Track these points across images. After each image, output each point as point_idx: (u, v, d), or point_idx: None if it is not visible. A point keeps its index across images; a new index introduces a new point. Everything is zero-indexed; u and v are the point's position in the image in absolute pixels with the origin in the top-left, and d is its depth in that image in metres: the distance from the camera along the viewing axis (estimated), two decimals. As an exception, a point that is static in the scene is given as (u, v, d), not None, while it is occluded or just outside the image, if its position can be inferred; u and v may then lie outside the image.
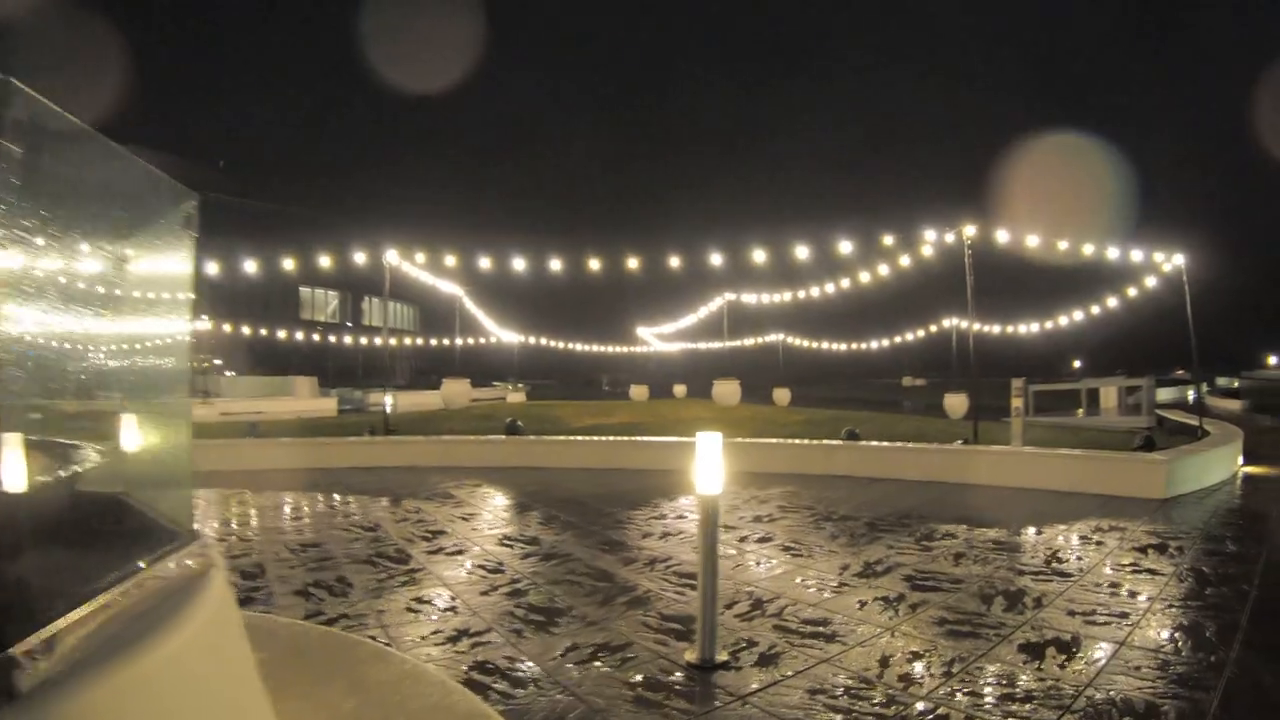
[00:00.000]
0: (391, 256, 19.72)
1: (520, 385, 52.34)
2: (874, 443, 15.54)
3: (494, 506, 12.01)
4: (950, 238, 16.66)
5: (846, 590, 6.95)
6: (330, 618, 6.02)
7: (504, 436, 18.03)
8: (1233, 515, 10.62)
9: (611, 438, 17.83)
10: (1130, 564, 7.77)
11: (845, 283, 24.86)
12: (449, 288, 31.54)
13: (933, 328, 42.23)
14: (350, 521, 10.38)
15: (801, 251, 19.37)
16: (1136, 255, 17.38)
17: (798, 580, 7.31)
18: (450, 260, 21.41)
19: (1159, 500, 11.62)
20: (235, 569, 7.46)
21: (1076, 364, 68.91)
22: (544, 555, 8.45)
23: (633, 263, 20.99)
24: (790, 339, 49.91)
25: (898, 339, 48.08)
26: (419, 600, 6.63)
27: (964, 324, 37.77)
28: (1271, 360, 69.03)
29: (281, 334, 40.99)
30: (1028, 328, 33.59)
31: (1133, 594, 6.70)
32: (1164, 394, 44.40)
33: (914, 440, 16.05)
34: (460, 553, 8.53)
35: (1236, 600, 6.47)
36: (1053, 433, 18.86)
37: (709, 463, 5.31)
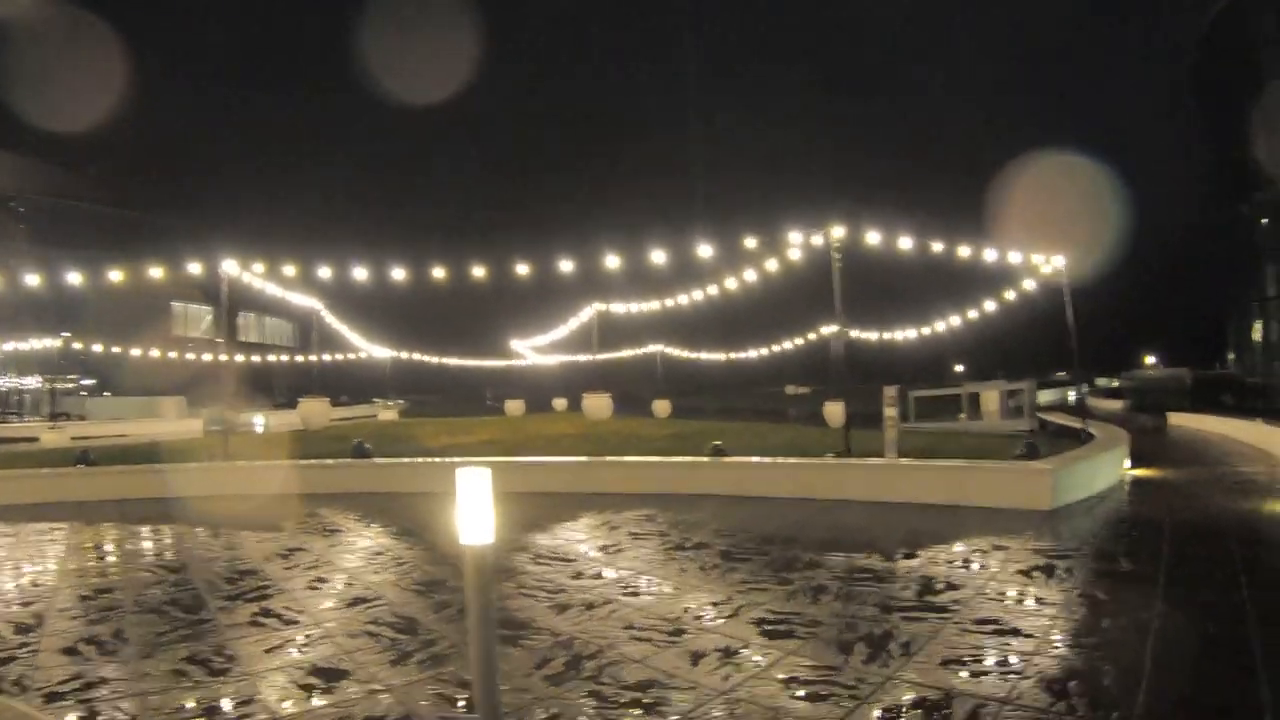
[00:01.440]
0: (230, 266, 18.26)
1: (394, 403, 50.49)
2: (741, 459, 14.65)
3: (318, 543, 10.67)
4: (818, 240, 15.96)
5: (685, 639, 5.98)
6: (90, 682, 5.38)
7: (350, 460, 16.63)
8: (1124, 527, 10.20)
9: (455, 460, 16.59)
10: (1015, 594, 7.03)
11: (714, 290, 24.08)
12: (306, 301, 29.71)
13: (811, 335, 42.14)
14: (158, 562, 9.87)
15: (673, 256, 18.50)
16: (1015, 257, 17.06)
17: (631, 628, 6.31)
18: (317, 271, 20.02)
19: (1045, 512, 11.13)
20: (8, 620, 7.01)
21: (959, 368, 70.48)
22: (352, 600, 7.49)
23: (509, 271, 19.88)
24: (670, 349, 49.38)
25: (776, 347, 47.89)
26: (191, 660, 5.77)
27: (845, 331, 38.27)
28: (1149, 360, 72.04)
29: (155, 352, 39.23)
30: (905, 334, 33.65)
31: (1018, 632, 5.90)
32: (1045, 396, 45.61)
33: (788, 452, 15.42)
34: (263, 598, 7.67)
35: (1137, 636, 5.74)
36: (933, 440, 18.51)
37: (475, 506, 4.17)
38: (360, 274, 20.37)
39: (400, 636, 6.26)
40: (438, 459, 16.88)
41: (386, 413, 47.28)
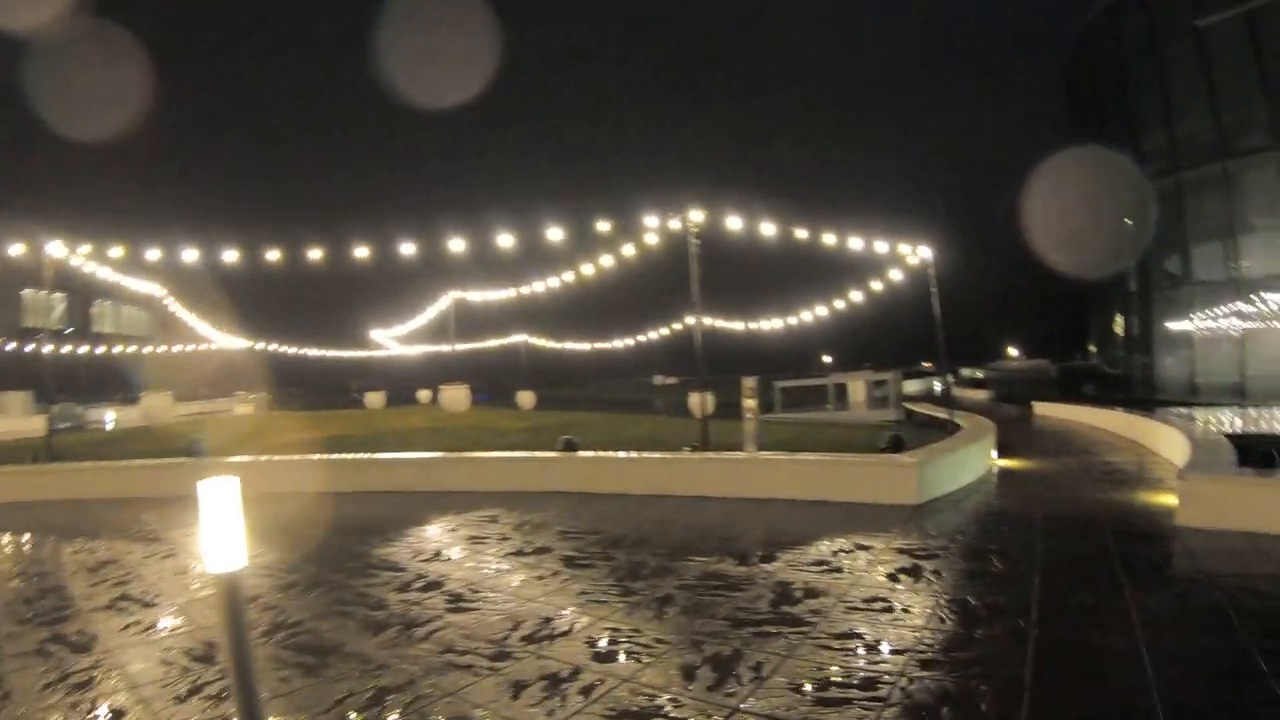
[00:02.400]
0: (55, 249, 16.98)
1: (254, 396, 48.22)
2: (594, 453, 13.98)
3: (133, 554, 9.48)
4: (675, 224, 15.33)
5: (509, 666, 5.38)
6: None
7: (184, 460, 15.39)
8: (995, 521, 9.91)
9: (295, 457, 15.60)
10: (880, 599, 6.54)
11: (571, 276, 23.25)
12: (146, 287, 27.72)
13: (676, 325, 41.89)
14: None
15: (526, 241, 17.61)
16: (882, 247, 16.82)
17: (450, 652, 5.70)
18: (154, 255, 18.30)
19: (912, 506, 10.82)
20: None
21: (827, 359, 71.50)
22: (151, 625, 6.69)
23: (363, 253, 18.59)
24: (534, 339, 48.69)
25: (642, 337, 47.59)
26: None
27: (703, 319, 38.07)
28: (1012, 351, 74.57)
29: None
30: (771, 324, 33.58)
31: (882, 648, 5.29)
32: (911, 386, 46.53)
33: (648, 445, 15.06)
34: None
35: (1014, 645, 5.29)
36: (798, 432, 18.23)
37: (221, 525, 3.30)
38: (203, 257, 18.76)
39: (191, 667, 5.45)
40: (283, 456, 15.85)
41: (244, 407, 45.31)
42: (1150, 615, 5.86)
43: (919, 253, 17.20)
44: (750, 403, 13.73)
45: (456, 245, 18.21)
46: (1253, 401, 29.41)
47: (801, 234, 16.09)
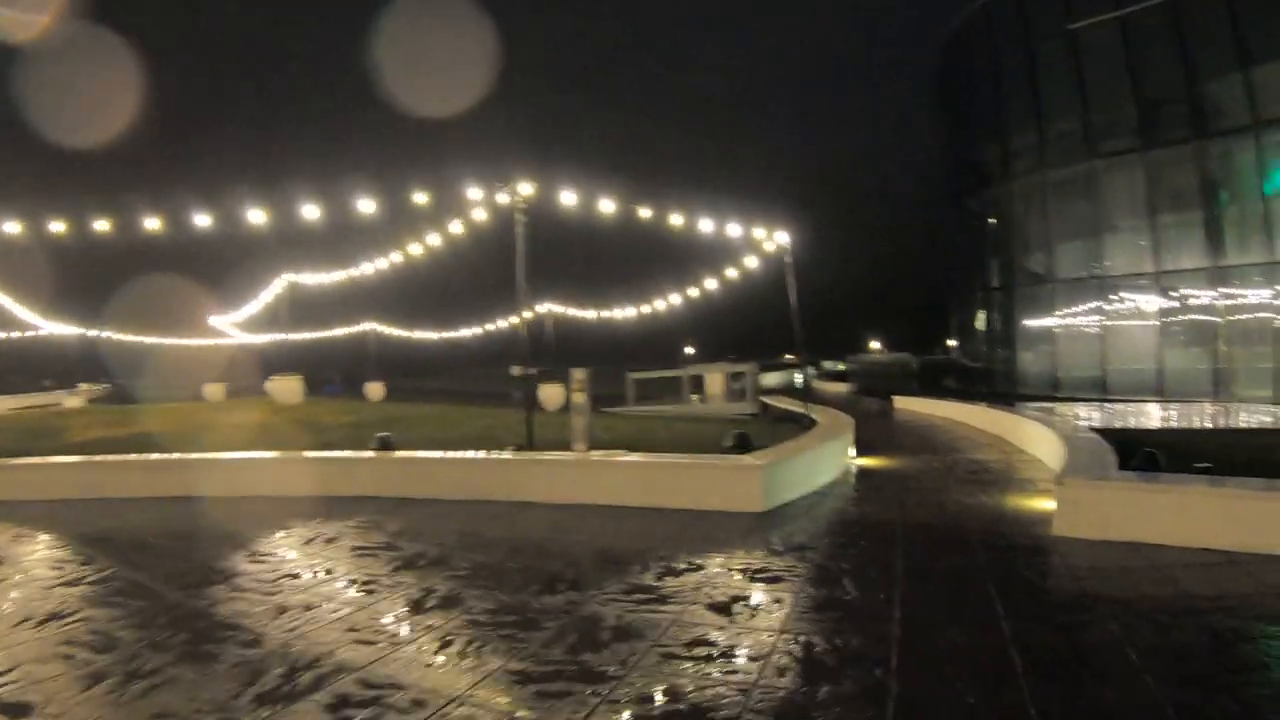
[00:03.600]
0: None
1: (87, 389, 44.96)
2: (411, 454, 12.67)
3: None
4: (503, 198, 14.01)
5: None
6: None
7: None
8: (850, 533, 8.94)
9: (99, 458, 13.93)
10: (705, 641, 5.52)
11: (402, 258, 21.67)
12: None
13: (527, 313, 40.42)
14: None
15: (346, 214, 15.96)
16: (734, 231, 15.93)
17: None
18: None
19: (757, 515, 9.80)
20: None
21: (689, 350, 71.18)
22: None
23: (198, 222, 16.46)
24: (384, 328, 46.75)
25: (491, 326, 46.19)
26: None
27: (558, 308, 37.22)
28: (874, 344, 75.68)
29: None
30: (624, 312, 32.67)
31: (708, 714, 4.13)
32: (771, 379, 46.26)
33: (485, 442, 13.99)
34: None
35: (869, 709, 4.09)
36: (646, 426, 17.16)
37: None
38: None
39: None
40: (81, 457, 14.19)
41: (72, 401, 42.14)
42: (1036, 659, 4.90)
43: (775, 238, 16.43)
44: (580, 397, 12.55)
45: (285, 222, 16.45)
46: (1114, 396, 30.08)
47: (645, 213, 15.02)
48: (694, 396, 32.56)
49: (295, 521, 10.27)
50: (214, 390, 39.58)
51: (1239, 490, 8.15)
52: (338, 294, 32.28)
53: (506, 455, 12.23)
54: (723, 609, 6.11)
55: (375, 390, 38.35)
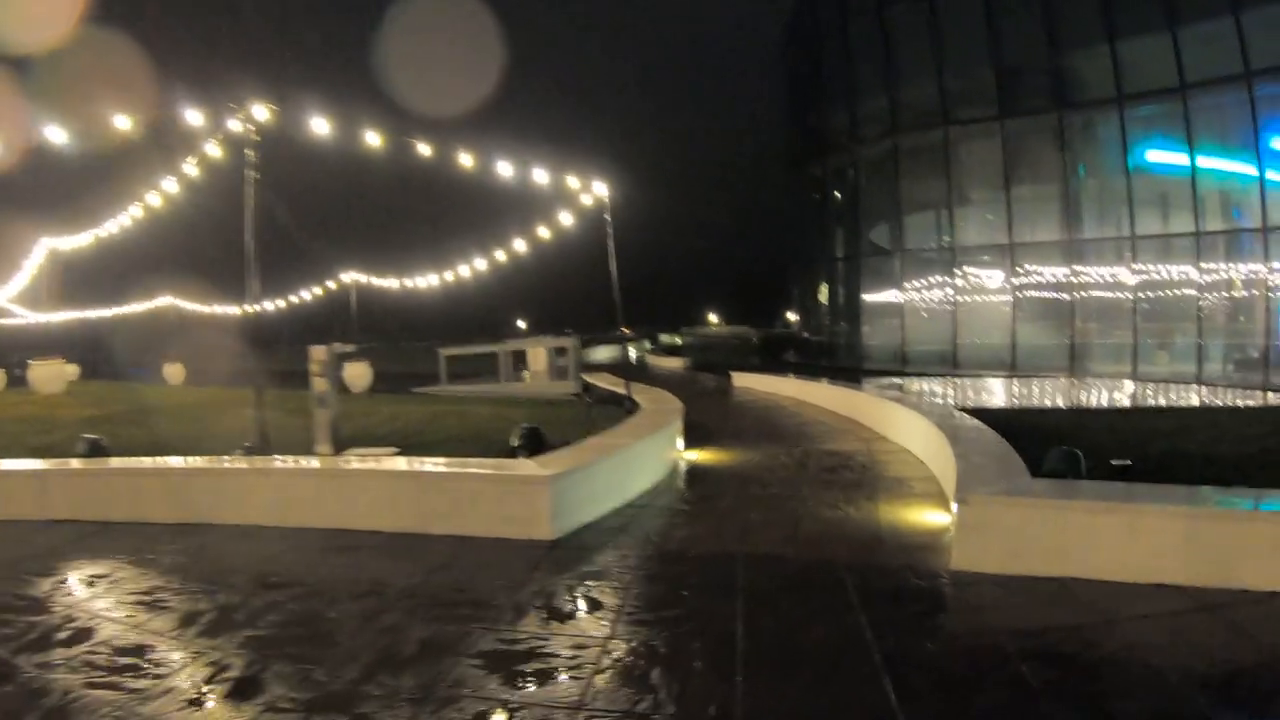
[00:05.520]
0: None
1: None
2: (120, 462, 10.05)
3: None
4: (234, 124, 10.89)
5: None
6: None
7: None
8: (669, 578, 6.49)
9: None
10: None
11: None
12: None
13: (330, 284, 37.32)
14: None
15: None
16: (540, 176, 13.13)
17: None
18: None
19: (545, 546, 7.16)
20: None
21: (521, 324, 68.52)
22: None
23: None
24: (182, 302, 42.83)
25: (294, 298, 42.38)
26: None
27: (360, 278, 34.25)
28: (713, 318, 74.71)
29: None
30: (427, 281, 29.77)
31: None
32: (604, 353, 44.08)
33: (233, 443, 10.86)
34: None
35: None
36: (439, 412, 14.64)
37: None
38: None
39: None
40: None
41: None
42: None
43: (594, 190, 13.84)
44: (322, 384, 9.71)
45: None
46: (964, 371, 29.60)
47: (425, 150, 12.10)
48: (526, 374, 30.25)
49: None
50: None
51: (1221, 509, 6.07)
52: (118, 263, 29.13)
53: (233, 461, 9.30)
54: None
55: (174, 373, 35.50)
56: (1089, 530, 5.95)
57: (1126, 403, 19.01)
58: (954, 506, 6.59)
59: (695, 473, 10.69)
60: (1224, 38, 23.82)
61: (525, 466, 7.98)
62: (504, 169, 12.76)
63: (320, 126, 11.00)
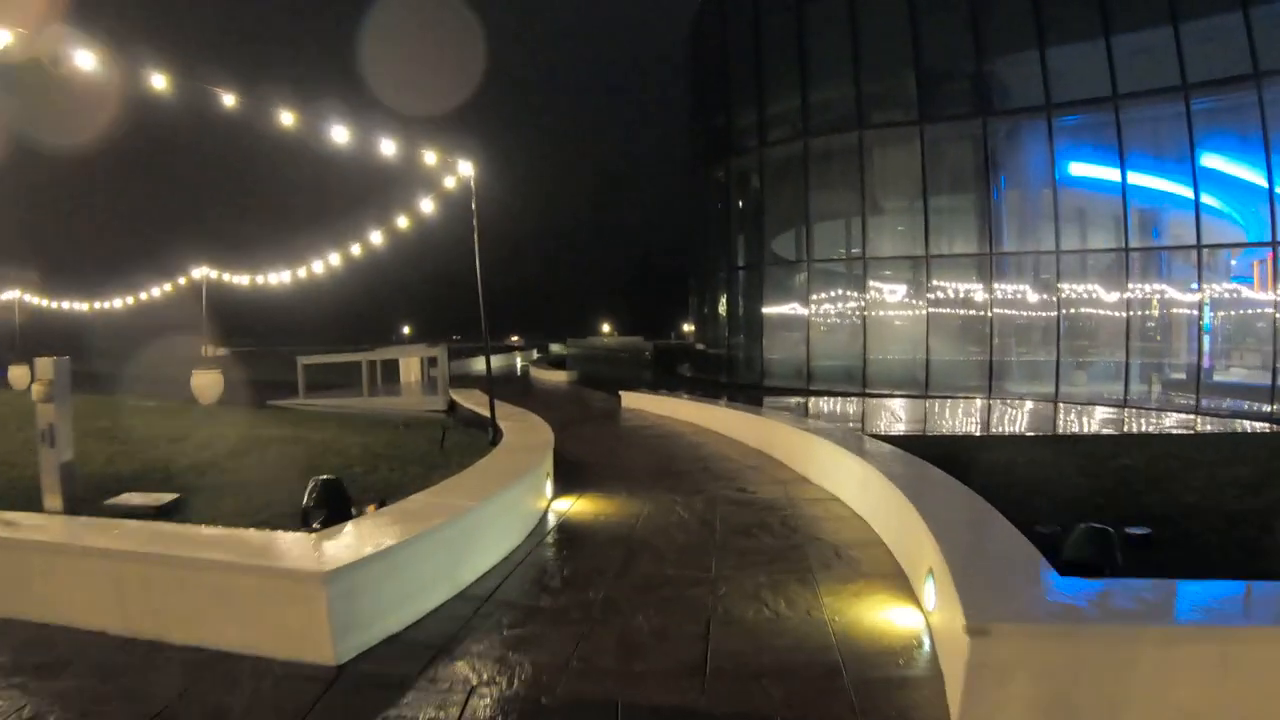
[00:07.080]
0: None
1: None
2: None
3: None
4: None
5: None
6: None
7: None
8: None
9: None
10: None
11: None
12: None
13: (181, 279, 34.49)
14: None
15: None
16: (388, 148, 10.85)
17: None
18: None
19: (323, 677, 4.67)
20: None
21: (406, 330, 65.96)
22: None
23: None
24: (33, 297, 39.73)
25: (144, 294, 39.30)
26: None
27: (215, 273, 31.56)
28: (605, 328, 73.27)
29: None
30: (279, 278, 27.21)
31: None
32: (495, 363, 41.57)
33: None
34: None
35: None
36: (268, 438, 12.63)
37: None
38: None
39: None
40: None
41: None
42: None
43: (459, 170, 11.62)
44: (48, 411, 7.10)
45: None
46: (873, 390, 28.23)
47: (230, 100, 9.56)
48: (401, 389, 27.24)
49: None
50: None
51: None
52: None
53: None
54: None
55: (18, 376, 31.00)
56: (1166, 666, 3.81)
57: (1076, 428, 17.50)
58: (963, 634, 4.28)
59: (566, 536, 8.13)
60: (1161, 48, 23.07)
61: (297, 550, 5.39)
62: (340, 135, 10.40)
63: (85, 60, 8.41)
